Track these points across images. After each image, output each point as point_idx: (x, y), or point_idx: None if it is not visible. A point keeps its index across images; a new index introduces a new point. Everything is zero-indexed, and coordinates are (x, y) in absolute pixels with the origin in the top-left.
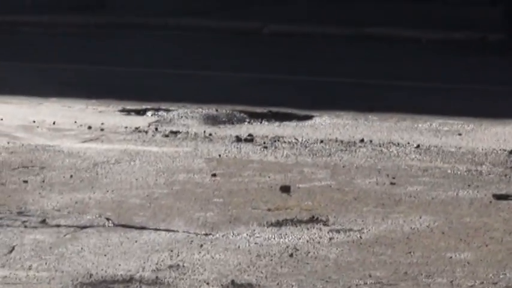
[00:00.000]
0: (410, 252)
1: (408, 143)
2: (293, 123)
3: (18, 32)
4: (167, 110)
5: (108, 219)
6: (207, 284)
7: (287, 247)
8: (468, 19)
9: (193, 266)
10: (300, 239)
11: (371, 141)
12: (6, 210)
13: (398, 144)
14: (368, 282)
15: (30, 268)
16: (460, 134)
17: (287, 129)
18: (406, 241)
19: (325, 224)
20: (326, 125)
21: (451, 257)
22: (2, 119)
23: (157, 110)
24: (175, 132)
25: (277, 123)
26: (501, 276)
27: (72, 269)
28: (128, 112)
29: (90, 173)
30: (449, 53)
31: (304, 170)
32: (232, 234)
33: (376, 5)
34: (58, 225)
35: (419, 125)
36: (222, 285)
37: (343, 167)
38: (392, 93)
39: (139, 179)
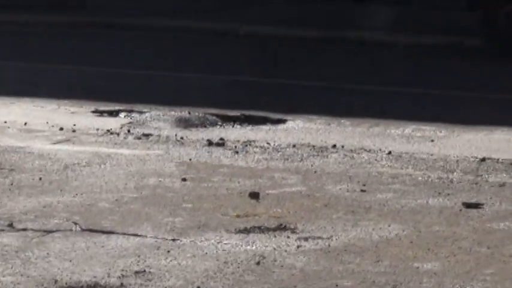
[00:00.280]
0: (378, 261)
1: (380, 150)
2: (266, 127)
3: None
4: (140, 112)
5: (75, 223)
6: None
7: (254, 255)
8: (444, 24)
9: (159, 272)
10: (267, 246)
11: (343, 146)
12: None
13: (370, 150)
14: None
15: None
16: (432, 141)
17: (259, 133)
18: (374, 249)
19: (294, 231)
20: (299, 130)
21: (418, 267)
22: None
23: (130, 111)
24: (147, 135)
25: (249, 127)
26: None
27: (38, 274)
28: (101, 113)
29: (60, 176)
30: (425, 58)
31: (275, 176)
32: (200, 240)
33: (354, 8)
34: (25, 229)
35: (392, 131)
36: None
37: (315, 172)
38: (366, 98)
39: (109, 183)
